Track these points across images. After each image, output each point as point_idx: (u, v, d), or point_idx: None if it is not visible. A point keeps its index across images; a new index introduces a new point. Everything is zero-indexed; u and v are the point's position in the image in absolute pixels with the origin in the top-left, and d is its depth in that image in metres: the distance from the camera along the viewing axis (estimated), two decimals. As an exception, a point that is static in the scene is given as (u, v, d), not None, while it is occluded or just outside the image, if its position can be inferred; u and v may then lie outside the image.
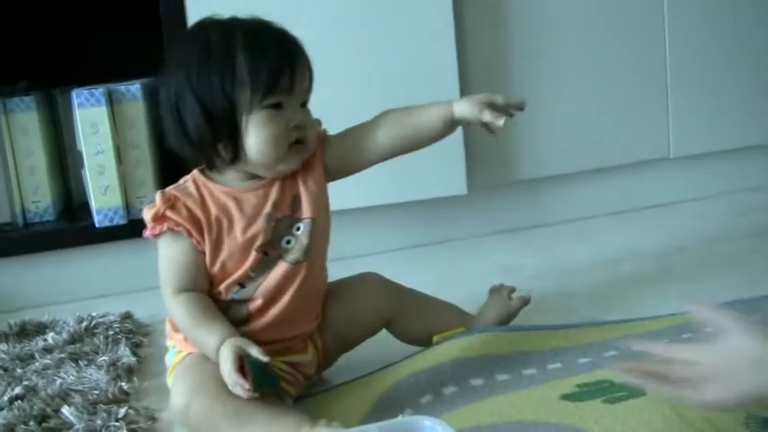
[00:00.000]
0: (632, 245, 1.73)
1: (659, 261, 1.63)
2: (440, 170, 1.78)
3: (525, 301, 1.34)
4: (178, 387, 1.10)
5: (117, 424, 1.13)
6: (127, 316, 1.53)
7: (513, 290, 1.35)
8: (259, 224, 1.15)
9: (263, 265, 1.15)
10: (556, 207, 1.92)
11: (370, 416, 1.12)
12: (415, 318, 1.29)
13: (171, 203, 1.14)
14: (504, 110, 1.18)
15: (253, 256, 1.15)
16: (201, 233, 1.14)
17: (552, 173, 1.89)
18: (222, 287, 1.15)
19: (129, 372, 1.31)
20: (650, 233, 1.80)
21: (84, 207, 1.73)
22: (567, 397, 1.13)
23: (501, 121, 1.15)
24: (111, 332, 1.44)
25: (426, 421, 0.77)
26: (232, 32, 1.12)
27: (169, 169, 1.73)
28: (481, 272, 1.66)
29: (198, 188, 1.17)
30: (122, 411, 1.17)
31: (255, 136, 1.11)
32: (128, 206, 1.68)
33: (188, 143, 1.14)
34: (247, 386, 1.02)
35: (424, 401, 1.15)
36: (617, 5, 1.85)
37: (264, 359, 1.05)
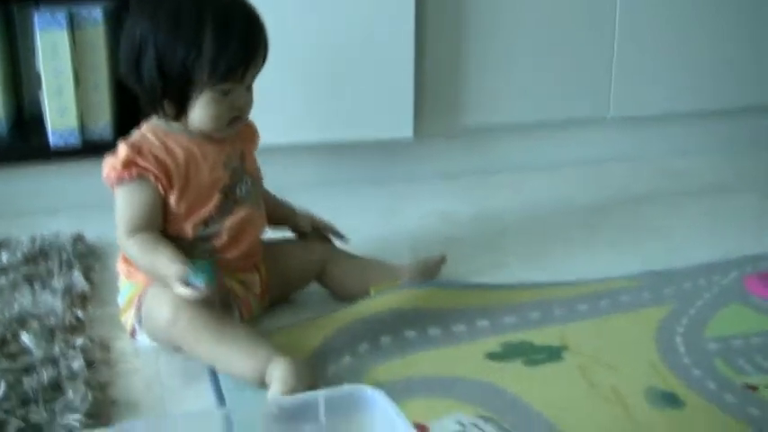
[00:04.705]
0: (564, 200, 1.84)
1: (588, 220, 1.74)
2: (387, 113, 1.85)
3: (443, 260, 1.46)
4: (161, 302, 1.19)
5: (74, 353, 1.20)
6: (78, 238, 1.58)
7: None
8: (220, 169, 1.27)
9: (224, 207, 1.27)
10: (497, 157, 2.00)
11: (314, 360, 1.21)
12: (348, 271, 1.39)
13: (138, 150, 1.22)
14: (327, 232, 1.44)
15: (216, 196, 1.27)
16: (169, 176, 1.23)
17: (497, 123, 1.96)
18: (189, 226, 1.25)
19: (83, 299, 1.37)
20: (582, 189, 1.90)
21: (37, 125, 1.74)
22: (491, 356, 1.24)
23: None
24: (63, 255, 1.49)
25: (368, 390, 0.86)
26: (204, 9, 1.19)
27: (126, 94, 1.75)
28: (418, 216, 1.75)
29: (159, 138, 1.25)
30: (79, 341, 1.24)
31: (200, 111, 1.22)
32: (83, 128, 1.70)
33: (138, 84, 1.24)
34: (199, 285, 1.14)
35: (361, 350, 1.25)
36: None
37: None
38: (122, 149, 1.23)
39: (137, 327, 1.26)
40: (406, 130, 1.86)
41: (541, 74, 1.95)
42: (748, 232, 1.69)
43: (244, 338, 1.17)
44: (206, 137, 1.26)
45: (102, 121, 1.72)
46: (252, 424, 0.85)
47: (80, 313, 1.33)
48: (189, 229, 1.25)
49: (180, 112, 1.22)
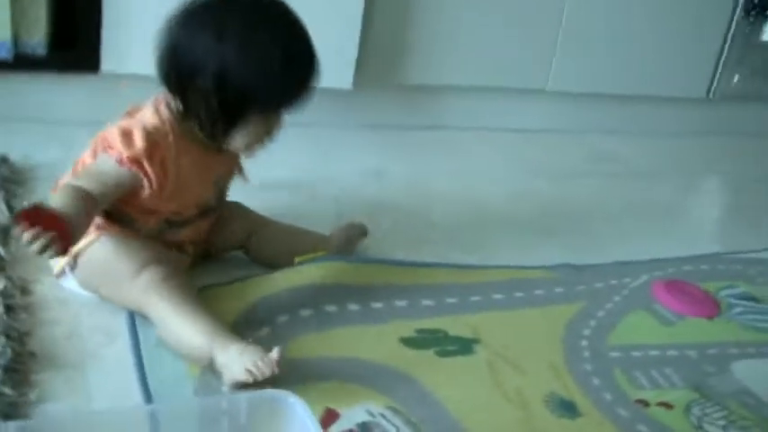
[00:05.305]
0: (491, 168, 1.90)
1: (512, 196, 1.79)
2: (329, 61, 1.83)
3: (365, 234, 1.48)
4: (128, 259, 1.20)
5: (-7, 298, 1.20)
6: (2, 159, 1.54)
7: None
8: (209, 187, 1.30)
9: (193, 219, 1.30)
10: (434, 116, 2.03)
11: (235, 330, 1.23)
12: (272, 239, 1.41)
13: (150, 153, 1.19)
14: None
15: (194, 210, 1.29)
16: (163, 186, 1.21)
17: (437, 84, 1.98)
18: (153, 220, 1.26)
19: (4, 233, 1.35)
20: (508, 159, 1.97)
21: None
22: (405, 341, 1.28)
23: None
24: (-14, 180, 1.46)
25: (290, 398, 0.90)
26: (276, 41, 1.17)
27: (63, 8, 1.70)
28: (348, 171, 1.77)
29: (176, 142, 1.22)
30: (-1, 283, 1.23)
31: (243, 134, 1.22)
32: (16, 42, 1.65)
33: (183, 95, 1.19)
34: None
35: (280, 321, 1.27)
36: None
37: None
38: (138, 139, 1.18)
39: (67, 270, 1.25)
40: (346, 80, 1.86)
41: (487, 40, 1.97)
42: (670, 226, 1.77)
43: (200, 309, 1.17)
44: (217, 149, 1.25)
45: (37, 36, 1.67)
46: (178, 421, 0.87)
47: (1, 250, 1.31)
48: (152, 222, 1.26)
49: (220, 133, 1.21)
